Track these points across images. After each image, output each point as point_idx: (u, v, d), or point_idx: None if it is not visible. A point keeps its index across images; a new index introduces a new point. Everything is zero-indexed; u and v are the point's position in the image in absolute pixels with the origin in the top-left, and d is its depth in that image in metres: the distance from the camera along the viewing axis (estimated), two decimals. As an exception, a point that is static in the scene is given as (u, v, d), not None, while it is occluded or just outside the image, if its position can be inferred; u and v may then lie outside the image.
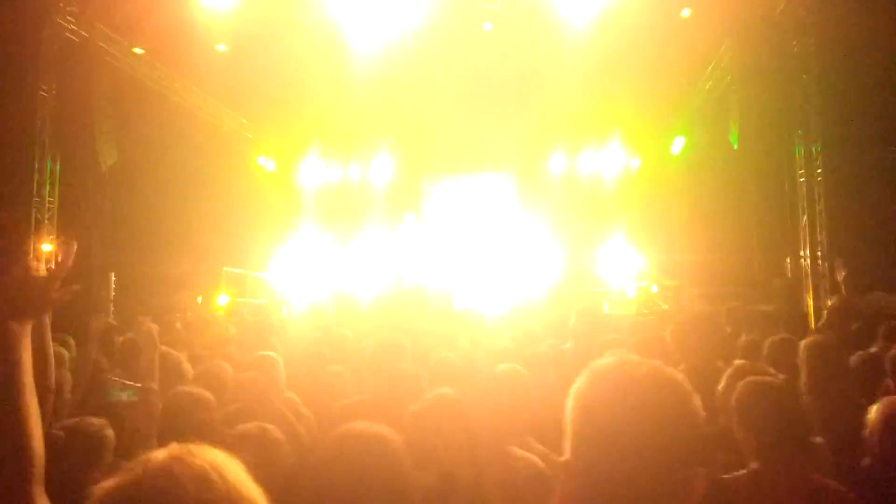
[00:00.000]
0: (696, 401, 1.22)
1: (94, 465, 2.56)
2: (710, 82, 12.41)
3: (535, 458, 2.41)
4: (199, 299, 10.40)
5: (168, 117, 11.60)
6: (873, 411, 2.63)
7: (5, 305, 1.47)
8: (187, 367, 3.84)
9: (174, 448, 0.98)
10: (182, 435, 1.05)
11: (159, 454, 0.97)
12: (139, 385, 2.92)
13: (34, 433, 1.36)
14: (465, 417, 2.17)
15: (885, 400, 2.71)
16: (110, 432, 2.72)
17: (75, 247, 1.65)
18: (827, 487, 2.35)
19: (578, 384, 1.26)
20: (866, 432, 2.65)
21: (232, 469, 0.98)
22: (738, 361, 3.49)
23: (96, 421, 2.75)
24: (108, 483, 0.96)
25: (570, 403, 1.26)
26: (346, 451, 1.75)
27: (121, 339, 5.18)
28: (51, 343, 2.54)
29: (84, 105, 10.64)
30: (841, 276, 7.09)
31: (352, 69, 10.70)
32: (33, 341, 1.64)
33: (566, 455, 1.26)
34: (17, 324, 1.45)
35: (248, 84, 12.08)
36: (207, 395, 3.02)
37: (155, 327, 3.17)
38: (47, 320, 2.47)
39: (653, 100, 13.10)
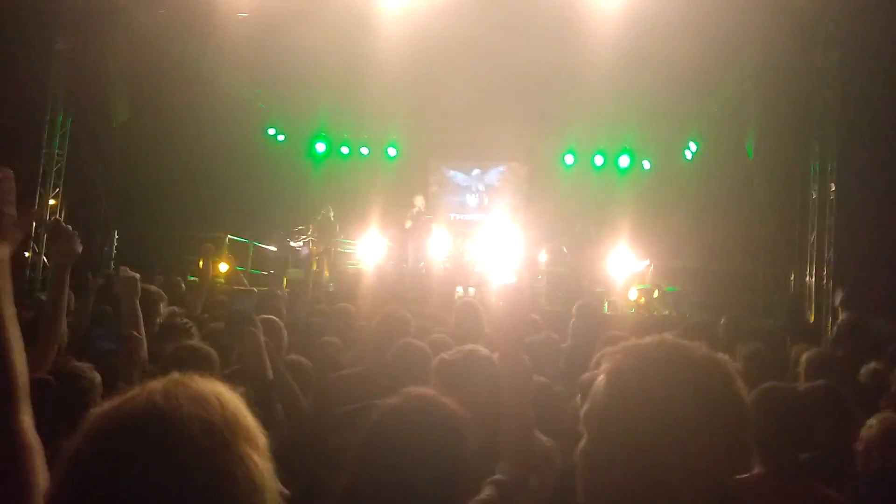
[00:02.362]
0: (743, 389, 1.12)
1: (84, 407, 2.53)
2: (730, 89, 12.31)
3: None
4: (201, 264, 10.36)
5: (182, 80, 11.52)
6: (872, 427, 2.59)
7: None
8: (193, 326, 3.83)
9: (174, 375, 0.98)
10: None
11: (160, 381, 0.96)
12: (125, 335, 2.89)
13: (17, 363, 1.31)
14: (495, 374, 2.10)
15: (883, 417, 2.67)
16: (97, 376, 2.70)
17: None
18: (829, 498, 2.32)
19: (611, 359, 1.16)
20: (862, 447, 2.61)
21: (231, 397, 0.98)
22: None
23: (83, 365, 2.72)
24: (108, 404, 0.94)
25: (600, 382, 1.16)
26: (409, 414, 1.65)
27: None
28: (66, 296, 2.53)
29: (99, 62, 10.57)
30: (838, 299, 7.03)
31: (367, 47, 10.62)
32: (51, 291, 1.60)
33: (583, 443, 1.17)
34: None
35: (265, 54, 11.98)
36: (211, 351, 2.99)
37: (137, 276, 3.14)
38: (66, 274, 2.51)
39: (670, 103, 13.02)
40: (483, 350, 2.40)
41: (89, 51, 10.19)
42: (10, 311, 1.36)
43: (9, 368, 1.30)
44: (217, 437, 0.91)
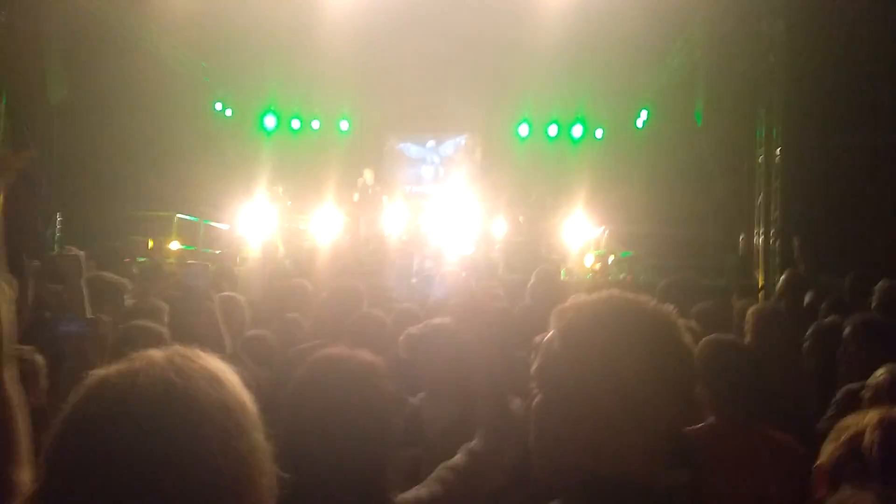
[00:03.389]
0: (689, 339, 1.15)
1: (29, 390, 2.46)
2: (679, 57, 12.46)
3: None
4: (150, 244, 10.13)
5: (123, 55, 11.09)
6: (879, 376, 2.62)
7: None
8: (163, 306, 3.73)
9: (175, 348, 0.94)
10: None
11: (160, 352, 0.92)
12: (90, 318, 2.79)
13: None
14: (459, 347, 2.11)
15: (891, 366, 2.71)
16: (40, 359, 2.62)
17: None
18: (782, 441, 2.41)
19: (562, 315, 1.17)
20: (869, 394, 2.63)
21: (235, 378, 0.95)
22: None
23: (25, 348, 2.64)
24: (112, 370, 0.89)
25: (552, 339, 1.17)
26: (325, 372, 1.66)
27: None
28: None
29: (34, 37, 10.10)
30: (797, 249, 7.22)
31: (317, 17, 10.40)
32: None
33: (536, 400, 1.18)
34: None
35: (209, 25, 11.62)
36: (161, 329, 2.91)
37: (82, 254, 3.03)
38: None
39: (621, 73, 13.12)
40: (451, 325, 2.40)
41: (23, 25, 9.72)
42: None
43: None
44: (235, 421, 0.89)
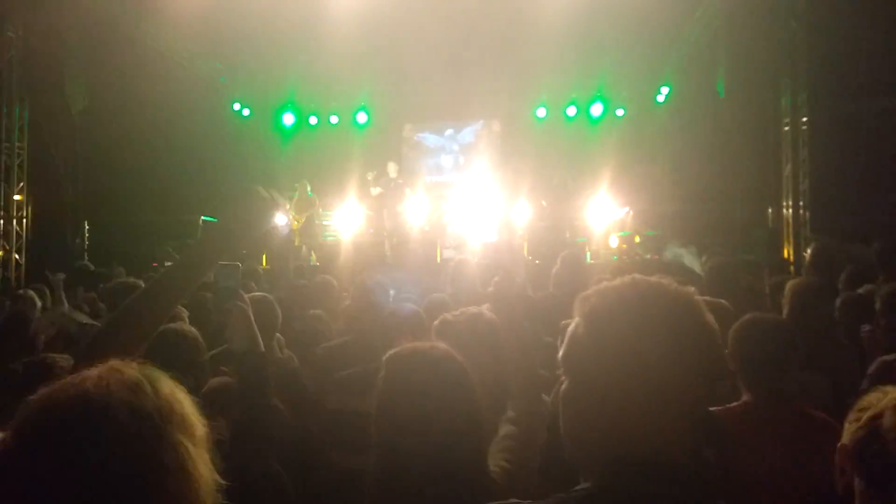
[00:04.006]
0: (711, 318, 1.15)
1: None
2: (698, 29, 12.21)
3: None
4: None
5: (140, 61, 11.20)
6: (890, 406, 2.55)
7: None
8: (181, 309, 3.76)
9: (112, 362, 0.97)
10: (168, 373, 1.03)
11: (97, 368, 0.96)
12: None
13: None
14: (496, 334, 2.11)
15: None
16: (66, 363, 2.64)
17: None
18: (815, 417, 2.35)
19: (586, 302, 1.18)
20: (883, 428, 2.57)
21: (168, 384, 0.98)
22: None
23: (58, 356, 2.67)
24: (43, 391, 0.94)
25: (577, 325, 1.18)
26: (419, 367, 1.66)
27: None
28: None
29: (53, 48, 10.24)
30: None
31: (327, 11, 10.38)
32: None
33: (564, 386, 1.19)
34: None
35: (222, 26, 11.66)
36: (196, 334, 2.93)
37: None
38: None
39: (639, 48, 12.91)
40: (487, 313, 2.39)
41: (41, 37, 9.86)
42: None
43: None
44: (147, 424, 0.91)
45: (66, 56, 10.40)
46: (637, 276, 1.21)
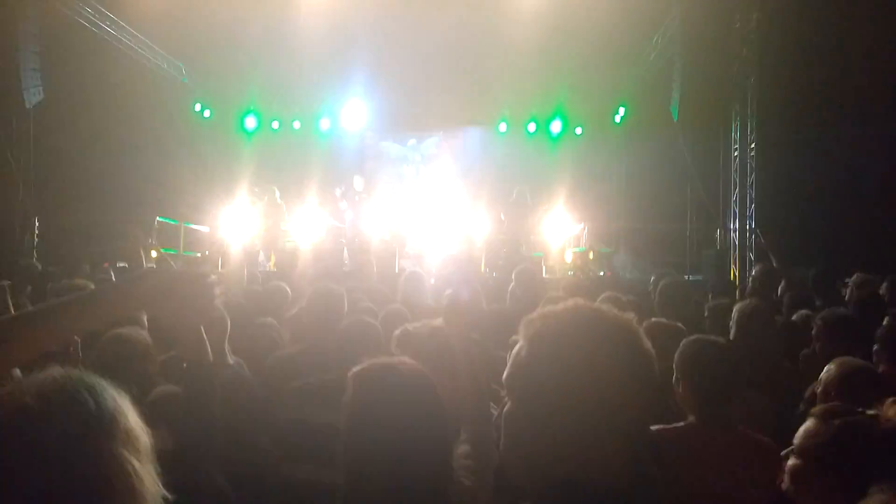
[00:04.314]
0: (648, 344, 1.20)
1: None
2: (655, 52, 12.57)
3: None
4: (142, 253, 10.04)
5: (99, 57, 10.98)
6: (831, 371, 2.72)
7: None
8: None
9: (54, 371, 0.95)
10: (118, 379, 1.01)
11: (38, 377, 0.94)
12: None
13: None
14: (451, 350, 2.14)
15: (841, 361, 2.80)
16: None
17: None
18: (758, 441, 2.47)
19: (530, 325, 1.22)
20: (820, 389, 2.73)
21: (111, 395, 0.95)
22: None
23: None
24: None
25: (521, 348, 1.22)
26: (386, 383, 1.67)
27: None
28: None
29: (9, 39, 9.97)
30: (763, 244, 7.38)
31: (296, 16, 10.36)
32: None
33: (507, 407, 1.23)
34: None
35: (185, 26, 11.52)
36: (145, 338, 2.90)
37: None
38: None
39: (598, 68, 13.20)
40: (444, 325, 2.44)
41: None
42: None
43: None
44: (86, 436, 0.89)
45: (23, 48, 10.13)
46: (580, 301, 1.26)
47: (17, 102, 10.08)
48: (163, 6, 10.41)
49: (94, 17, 11.23)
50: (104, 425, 0.91)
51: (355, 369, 1.71)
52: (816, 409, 2.02)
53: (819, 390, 2.66)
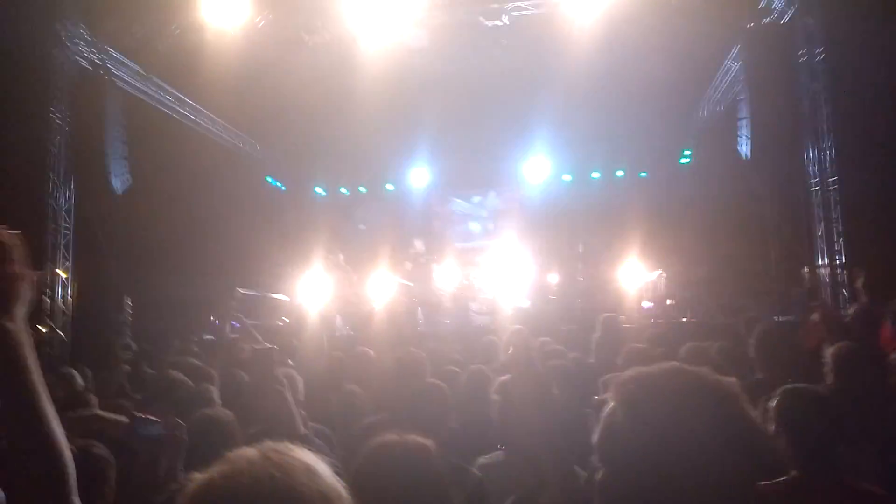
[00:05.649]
0: (753, 411, 1.16)
1: (98, 486, 2.50)
2: (718, 93, 12.40)
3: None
4: (216, 321, 10.39)
5: (178, 139, 11.69)
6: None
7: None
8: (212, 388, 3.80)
9: (268, 444, 0.98)
10: (206, 459, 1.02)
11: (251, 450, 0.96)
12: (164, 421, 2.80)
13: (63, 445, 1.25)
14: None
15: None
16: (109, 454, 2.65)
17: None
18: (867, 492, 2.31)
19: (624, 388, 1.18)
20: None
21: (326, 469, 0.99)
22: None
23: (92, 441, 2.66)
24: (215, 471, 0.94)
25: (614, 412, 1.18)
26: (386, 460, 1.75)
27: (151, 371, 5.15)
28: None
29: (96, 130, 10.72)
30: (859, 282, 7.02)
31: (357, 88, 10.77)
32: None
33: (600, 475, 1.19)
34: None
35: (257, 105, 12.17)
36: (229, 415, 2.98)
37: None
38: None
39: (660, 112, 13.11)
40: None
41: (85, 120, 10.34)
42: (43, 387, 1.25)
43: (59, 452, 1.24)
44: None
45: (109, 137, 10.86)
46: (676, 363, 1.21)
47: (106, 189, 10.76)
48: (234, 87, 11.00)
49: (173, 102, 12.00)
50: (336, 493, 0.96)
51: (370, 443, 1.86)
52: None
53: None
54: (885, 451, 2.92)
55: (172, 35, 10.19)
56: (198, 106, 12.44)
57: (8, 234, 1.30)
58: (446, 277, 12.08)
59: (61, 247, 10.12)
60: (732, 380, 1.19)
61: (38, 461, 1.22)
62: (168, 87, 11.84)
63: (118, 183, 10.86)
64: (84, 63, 10.43)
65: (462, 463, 2.79)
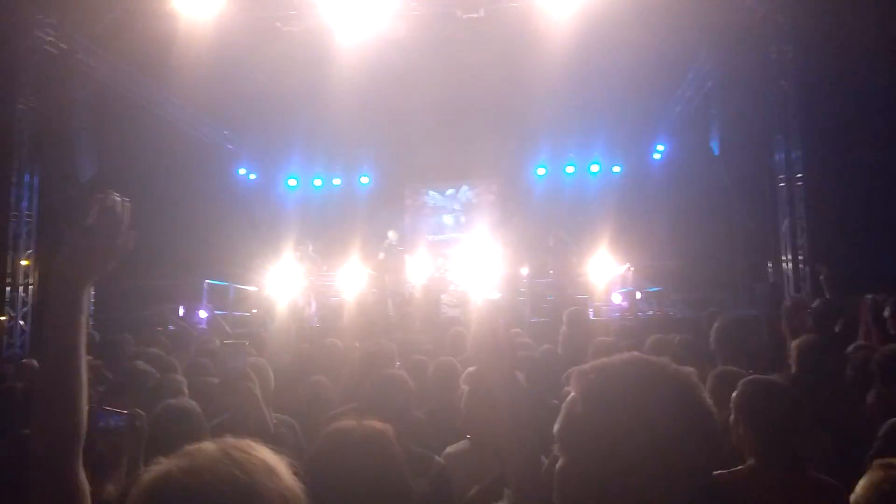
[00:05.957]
0: (708, 398, 1.17)
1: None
2: (690, 90, 12.54)
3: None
4: (181, 311, 10.27)
5: (148, 128, 11.48)
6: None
7: (69, 267, 1.35)
8: (181, 379, 3.76)
9: (228, 441, 0.97)
10: (171, 450, 1.01)
11: (209, 445, 0.95)
12: (126, 412, 2.77)
13: (83, 408, 1.31)
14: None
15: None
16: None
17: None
18: (821, 482, 2.36)
19: (583, 378, 1.19)
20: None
21: (287, 469, 0.99)
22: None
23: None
24: (174, 463, 0.92)
25: (574, 401, 1.18)
26: (342, 444, 1.75)
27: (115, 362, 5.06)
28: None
29: (63, 117, 10.49)
30: (822, 277, 7.17)
31: (332, 80, 10.67)
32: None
33: (561, 463, 1.20)
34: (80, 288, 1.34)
35: (228, 94, 11.99)
36: (195, 406, 2.94)
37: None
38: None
39: (634, 107, 13.23)
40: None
41: (52, 109, 10.12)
42: (84, 353, 1.33)
43: (78, 412, 1.29)
44: None
45: (76, 125, 10.64)
46: (637, 354, 1.23)
47: (71, 176, 10.55)
48: (204, 75, 10.82)
49: (142, 91, 11.78)
50: (294, 495, 0.96)
51: (329, 427, 1.86)
52: (880, 461, 1.89)
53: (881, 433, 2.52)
54: (841, 441, 2.98)
55: (143, 22, 9.97)
56: (168, 95, 12.22)
57: None
58: (418, 269, 12.07)
59: (24, 235, 9.90)
60: (691, 370, 1.20)
61: (59, 415, 1.28)
62: (137, 76, 11.61)
63: (83, 170, 10.65)
64: (51, 49, 10.18)
65: (425, 451, 2.79)
